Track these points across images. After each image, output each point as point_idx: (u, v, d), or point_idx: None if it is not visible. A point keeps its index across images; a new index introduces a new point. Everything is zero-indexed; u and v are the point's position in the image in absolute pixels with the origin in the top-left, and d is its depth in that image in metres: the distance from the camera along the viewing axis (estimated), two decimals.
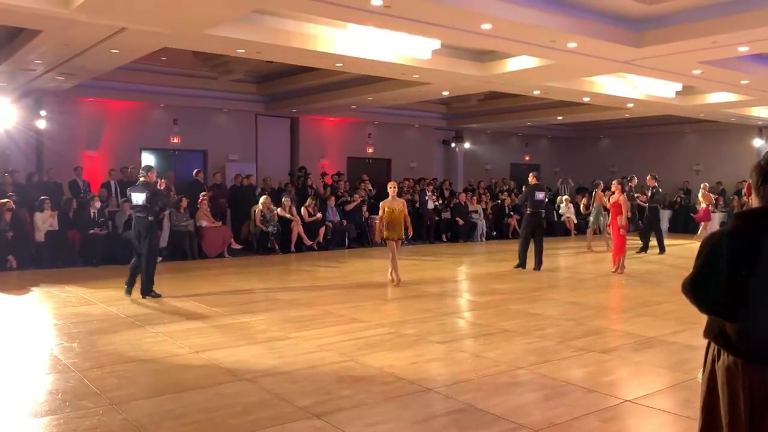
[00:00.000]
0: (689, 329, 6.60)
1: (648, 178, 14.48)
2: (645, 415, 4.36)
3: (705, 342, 2.70)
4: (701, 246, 2.61)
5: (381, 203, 9.75)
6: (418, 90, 14.20)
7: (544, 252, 11.51)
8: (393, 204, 9.56)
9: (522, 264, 11.50)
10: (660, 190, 14.89)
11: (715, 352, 2.61)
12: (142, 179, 8.58)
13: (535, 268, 11.36)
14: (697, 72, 11.47)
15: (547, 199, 13.25)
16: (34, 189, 12.99)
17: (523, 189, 12.34)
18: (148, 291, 8.43)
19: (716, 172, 21.28)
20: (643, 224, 14.94)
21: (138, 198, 8.36)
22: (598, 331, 6.83)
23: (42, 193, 12.40)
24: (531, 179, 11.81)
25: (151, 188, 8.39)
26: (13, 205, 11.47)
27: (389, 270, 9.78)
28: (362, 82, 14.50)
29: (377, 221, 9.80)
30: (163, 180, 9.14)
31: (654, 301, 8.53)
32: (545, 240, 11.82)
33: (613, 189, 11.73)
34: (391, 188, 9.76)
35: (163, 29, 8.79)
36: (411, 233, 10.01)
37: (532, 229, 11.56)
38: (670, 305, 8.10)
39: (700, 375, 2.77)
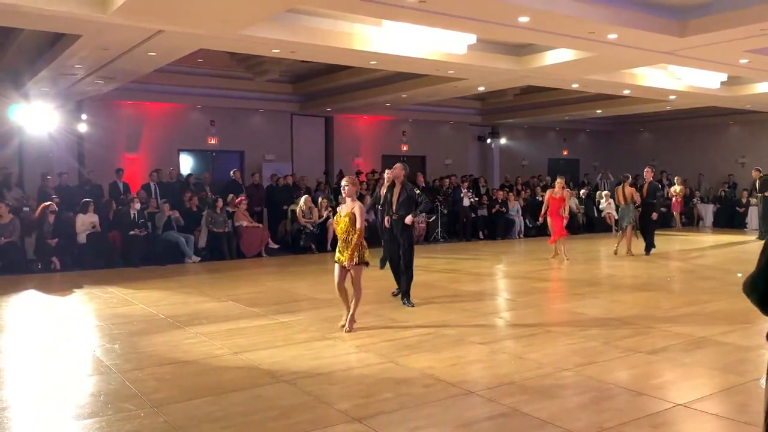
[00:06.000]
0: (740, 329, 6.34)
1: (646, 170, 13.30)
2: (698, 420, 4.17)
3: (759, 343, 2.55)
4: (765, 243, 2.47)
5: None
6: (453, 86, 14.05)
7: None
8: (341, 210, 6.64)
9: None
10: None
11: None
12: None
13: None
14: (744, 61, 11.09)
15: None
16: (76, 191, 13.25)
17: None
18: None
19: (762, 165, 20.57)
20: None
21: None
22: (644, 330, 6.61)
23: (83, 195, 12.64)
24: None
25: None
26: (56, 208, 11.72)
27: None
28: (397, 79, 14.43)
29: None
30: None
31: (701, 300, 8.23)
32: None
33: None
34: (344, 186, 6.61)
35: (199, 30, 8.85)
36: (351, 259, 6.37)
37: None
38: (717, 304, 7.82)
39: (763, 380, 2.62)
